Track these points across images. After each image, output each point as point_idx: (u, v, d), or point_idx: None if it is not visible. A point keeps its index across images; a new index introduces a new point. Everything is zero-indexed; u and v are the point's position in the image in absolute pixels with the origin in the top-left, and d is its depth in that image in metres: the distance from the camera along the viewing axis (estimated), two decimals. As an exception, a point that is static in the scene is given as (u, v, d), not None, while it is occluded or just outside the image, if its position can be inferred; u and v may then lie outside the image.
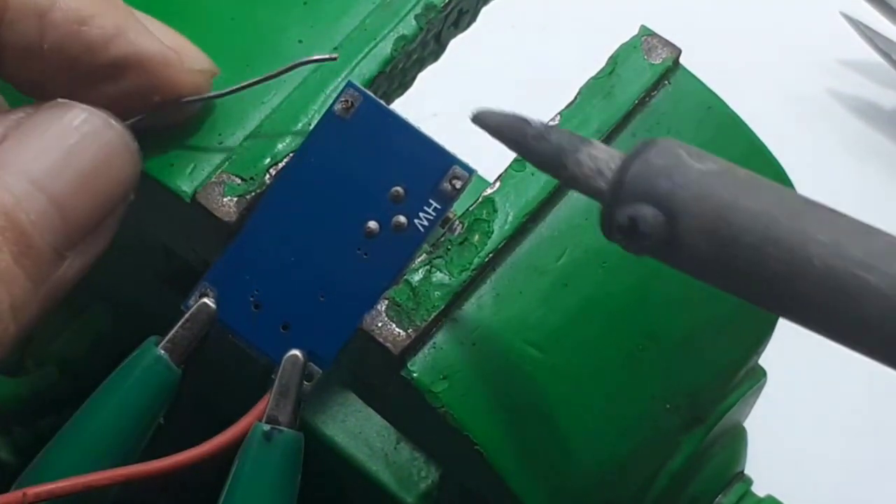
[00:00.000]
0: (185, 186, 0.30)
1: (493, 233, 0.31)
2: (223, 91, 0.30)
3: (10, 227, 0.27)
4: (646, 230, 0.25)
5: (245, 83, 0.30)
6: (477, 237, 0.31)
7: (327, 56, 0.30)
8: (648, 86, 0.33)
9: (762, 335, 0.35)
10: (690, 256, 0.25)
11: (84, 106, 0.28)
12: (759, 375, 0.36)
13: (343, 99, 0.30)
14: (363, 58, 0.32)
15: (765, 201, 0.25)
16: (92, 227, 0.29)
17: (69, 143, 0.28)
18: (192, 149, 0.30)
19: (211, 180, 0.30)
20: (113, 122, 0.29)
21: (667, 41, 0.34)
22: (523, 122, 0.28)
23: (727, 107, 0.34)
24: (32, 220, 0.27)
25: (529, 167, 0.31)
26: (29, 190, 0.27)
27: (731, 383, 0.35)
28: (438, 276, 0.30)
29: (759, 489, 0.37)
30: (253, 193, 0.30)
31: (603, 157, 0.26)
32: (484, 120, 0.28)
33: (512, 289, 0.31)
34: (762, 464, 0.38)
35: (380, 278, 0.30)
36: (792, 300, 0.24)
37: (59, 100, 0.29)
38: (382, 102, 0.30)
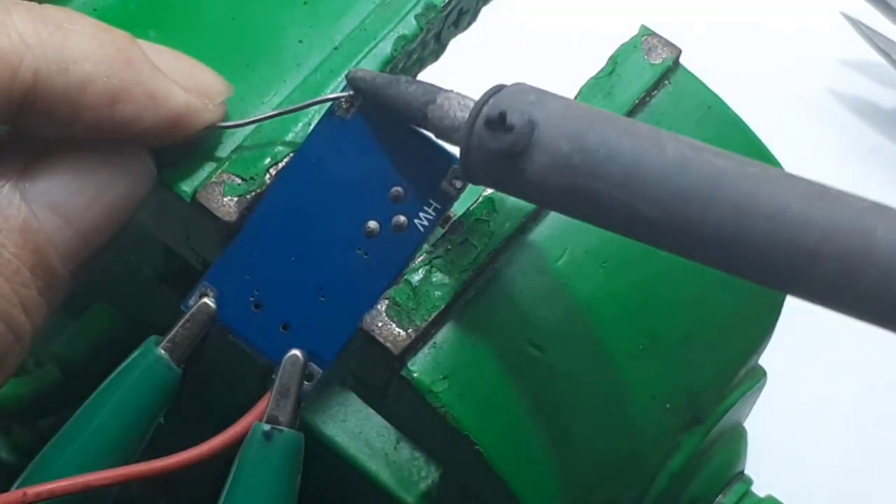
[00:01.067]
0: (185, 186, 0.30)
1: (493, 233, 0.31)
2: (243, 121, 0.30)
3: (40, 265, 0.27)
4: (513, 121, 0.26)
5: (265, 115, 0.30)
6: (477, 237, 0.31)
7: (344, 95, 0.30)
8: (648, 86, 0.33)
9: (762, 335, 0.35)
10: (547, 165, 0.26)
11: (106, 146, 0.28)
12: (759, 375, 0.36)
13: (343, 99, 0.30)
14: (363, 57, 0.32)
15: (616, 120, 0.26)
16: (106, 245, 0.29)
17: (100, 179, 0.28)
18: (193, 149, 0.30)
19: (211, 180, 0.30)
20: (140, 153, 0.29)
21: (667, 41, 0.34)
22: (389, 79, 0.29)
23: (727, 106, 0.34)
24: (60, 255, 0.27)
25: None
26: (60, 225, 0.27)
27: (731, 383, 0.35)
28: (438, 276, 0.30)
29: (759, 489, 0.37)
30: (253, 193, 0.30)
31: (459, 99, 0.28)
32: (356, 82, 0.30)
33: (512, 289, 0.31)
34: (762, 464, 0.38)
35: (380, 278, 0.30)
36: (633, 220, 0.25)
37: (77, 144, 0.28)
38: None
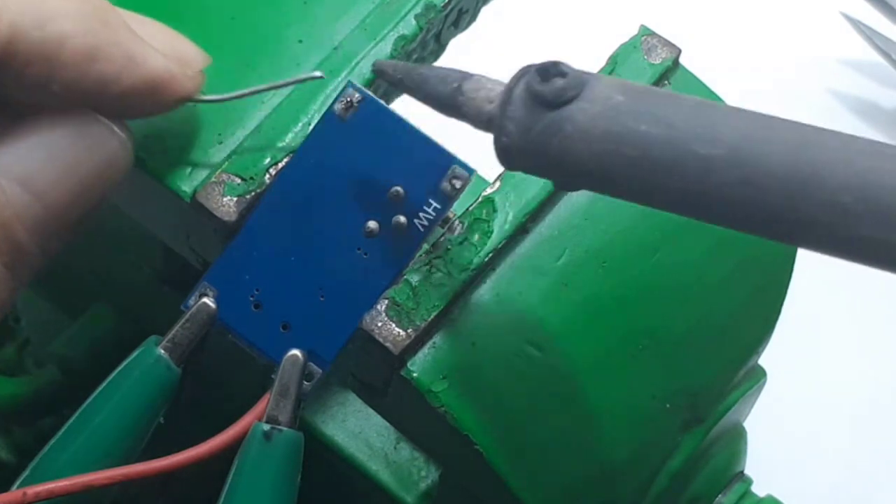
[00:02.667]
0: (185, 186, 0.30)
1: (492, 233, 0.31)
2: (221, 96, 0.30)
3: (6, 239, 0.27)
4: (567, 69, 0.26)
5: (243, 91, 0.30)
6: (477, 237, 0.31)
7: (315, 74, 0.30)
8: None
9: (762, 335, 0.35)
10: (598, 112, 0.25)
11: (89, 112, 0.28)
12: (759, 375, 0.36)
13: (343, 99, 0.30)
14: (363, 57, 0.32)
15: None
16: (78, 223, 0.29)
17: (73, 154, 0.28)
18: (192, 149, 0.30)
19: (211, 180, 0.30)
20: (116, 129, 0.28)
21: (667, 41, 0.34)
22: (413, 69, 0.29)
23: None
24: (27, 230, 0.27)
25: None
26: (28, 201, 0.27)
27: (731, 383, 0.35)
28: (438, 276, 0.30)
29: (758, 489, 0.37)
30: (253, 193, 0.30)
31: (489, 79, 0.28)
32: (382, 68, 0.29)
33: (512, 289, 0.31)
34: (762, 464, 0.39)
35: (380, 278, 0.30)
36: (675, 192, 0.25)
37: (55, 110, 0.28)
38: (383, 102, 0.30)
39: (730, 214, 0.24)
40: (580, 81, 0.26)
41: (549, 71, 0.26)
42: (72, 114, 0.28)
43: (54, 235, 0.28)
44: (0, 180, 0.27)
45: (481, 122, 0.27)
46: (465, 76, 0.28)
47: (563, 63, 0.26)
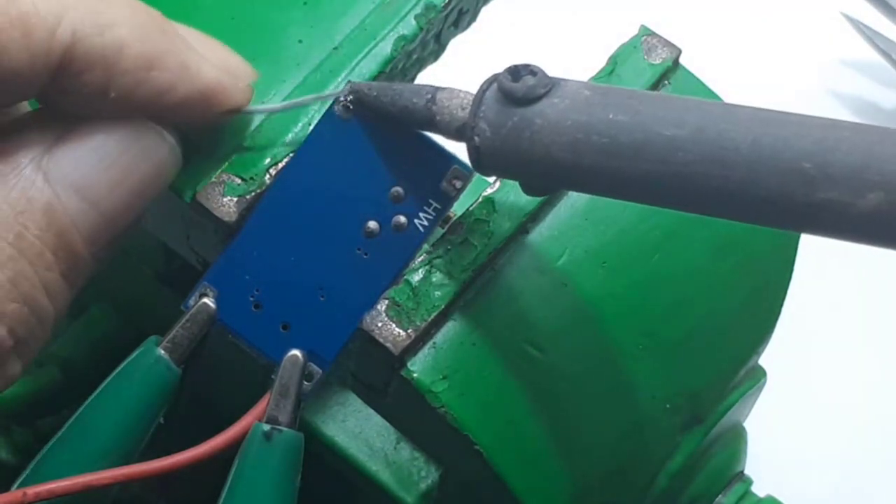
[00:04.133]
0: (185, 186, 0.30)
1: (493, 233, 0.31)
2: (269, 106, 0.31)
3: (63, 247, 0.27)
4: (536, 69, 0.27)
5: (287, 103, 0.30)
6: (477, 237, 0.31)
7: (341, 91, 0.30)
8: (648, 86, 0.33)
9: (762, 335, 0.35)
10: (567, 105, 0.26)
11: (140, 119, 0.28)
12: (759, 375, 0.36)
13: (343, 99, 0.30)
14: (363, 57, 0.32)
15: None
16: (129, 228, 0.29)
17: (127, 161, 0.28)
18: (193, 149, 0.30)
19: (211, 180, 0.30)
20: (167, 136, 0.28)
21: (667, 41, 0.34)
22: (386, 91, 0.29)
23: None
24: (83, 237, 0.27)
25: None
26: (84, 209, 0.27)
27: (731, 383, 0.35)
28: (438, 276, 0.30)
29: (759, 489, 0.37)
30: (253, 193, 0.30)
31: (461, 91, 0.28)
32: (356, 94, 0.30)
33: (512, 289, 0.31)
34: (762, 464, 0.39)
35: (380, 278, 0.30)
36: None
37: (106, 120, 0.28)
38: None
39: (697, 194, 0.25)
40: (550, 81, 0.27)
41: (520, 70, 0.27)
42: (124, 121, 0.28)
43: (107, 243, 0.28)
44: (56, 188, 0.27)
45: (453, 129, 0.28)
46: (439, 88, 0.29)
47: (532, 64, 0.27)
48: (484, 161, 0.27)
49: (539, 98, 0.26)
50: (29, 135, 0.27)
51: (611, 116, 0.25)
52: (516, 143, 0.27)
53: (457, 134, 0.28)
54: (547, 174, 0.27)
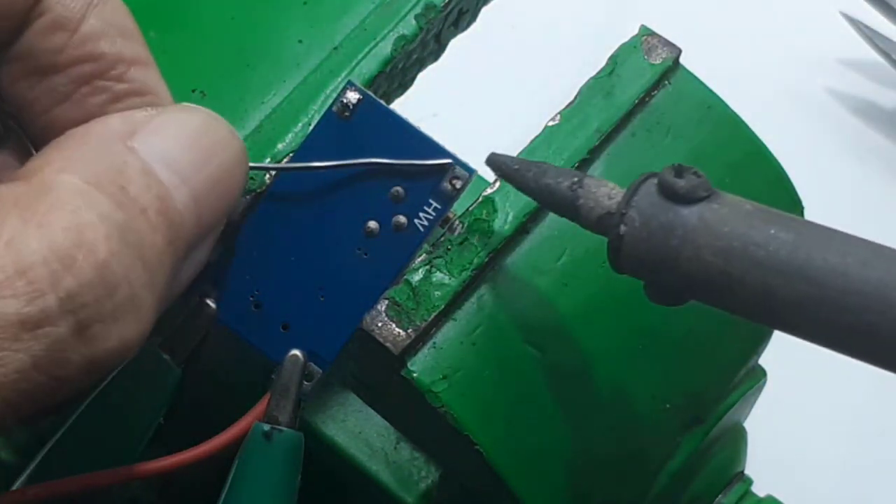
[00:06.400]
0: (186, 186, 0.30)
1: (493, 233, 0.31)
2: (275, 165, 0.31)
3: (162, 212, 0.26)
4: (699, 173, 0.26)
5: (312, 164, 0.30)
6: (477, 237, 0.31)
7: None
8: (648, 85, 0.33)
9: (762, 335, 0.35)
10: (727, 213, 0.26)
11: (212, 113, 0.28)
12: (759, 375, 0.36)
13: (343, 99, 0.30)
14: (363, 57, 0.32)
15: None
16: (206, 234, 0.28)
17: (206, 144, 0.27)
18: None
19: (211, 180, 0.30)
20: (236, 133, 0.28)
21: (667, 41, 0.34)
22: (529, 166, 0.29)
23: (727, 106, 0.35)
24: (179, 211, 0.26)
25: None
26: (176, 183, 0.26)
27: (731, 383, 0.35)
28: (438, 276, 0.30)
29: (758, 489, 0.37)
30: (253, 193, 0.30)
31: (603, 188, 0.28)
32: (497, 165, 0.30)
33: (512, 289, 0.31)
34: (762, 464, 0.39)
35: (380, 278, 0.30)
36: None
37: (185, 104, 0.28)
38: (382, 102, 0.30)
39: (848, 327, 0.24)
40: (712, 188, 0.26)
41: (684, 170, 0.26)
42: (198, 109, 0.28)
43: (198, 235, 0.27)
44: (147, 160, 0.26)
45: (594, 217, 0.27)
46: (588, 175, 0.28)
47: (697, 169, 0.26)
48: (625, 250, 0.27)
49: (699, 200, 0.26)
50: (110, 121, 0.27)
51: (772, 232, 0.25)
52: (665, 239, 0.26)
53: (597, 222, 0.27)
54: (688, 278, 0.26)
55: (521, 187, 0.29)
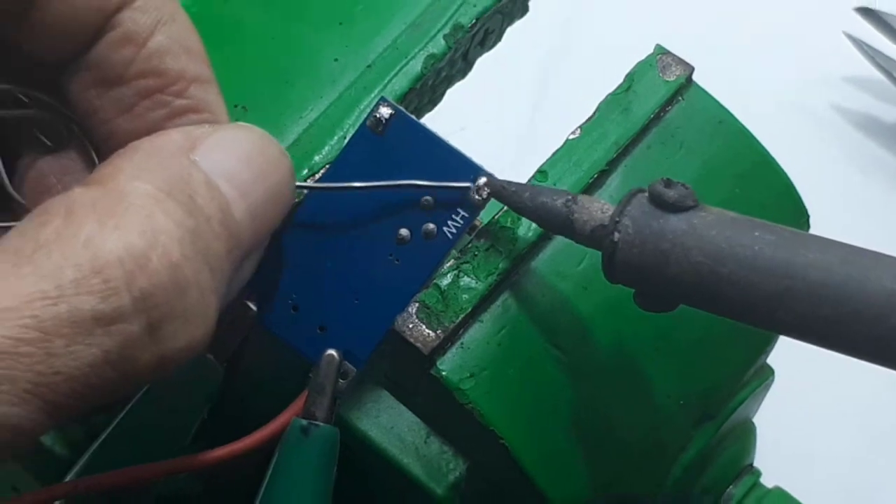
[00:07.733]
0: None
1: (517, 240, 0.32)
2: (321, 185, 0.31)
3: (222, 224, 0.26)
4: (687, 186, 0.27)
5: (347, 185, 0.31)
6: (502, 244, 0.32)
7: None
8: (663, 101, 0.34)
9: (770, 336, 0.36)
10: (713, 220, 0.27)
11: (266, 132, 0.29)
12: (768, 374, 0.37)
13: (376, 113, 0.31)
14: (395, 75, 0.33)
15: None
16: (258, 246, 0.29)
17: (261, 162, 0.28)
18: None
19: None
20: (287, 153, 0.29)
21: (680, 59, 0.35)
22: (525, 188, 0.30)
23: (737, 121, 0.35)
24: (237, 222, 0.27)
25: (551, 178, 0.33)
26: (235, 196, 0.27)
27: (741, 381, 0.36)
28: (466, 281, 0.31)
29: (767, 481, 0.38)
30: (292, 203, 0.30)
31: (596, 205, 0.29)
32: (495, 185, 0.30)
33: (535, 292, 0.32)
34: (770, 457, 0.39)
35: (411, 282, 0.31)
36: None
37: (240, 123, 0.29)
38: (413, 117, 0.31)
39: (833, 326, 0.26)
40: (698, 201, 0.28)
41: (672, 182, 0.28)
42: (251, 127, 0.29)
43: (251, 247, 0.28)
44: (207, 174, 0.27)
45: (588, 230, 0.29)
46: (580, 194, 0.29)
47: (684, 183, 0.28)
48: (619, 257, 0.28)
49: (688, 209, 0.27)
50: (172, 134, 0.28)
51: (756, 234, 0.26)
52: (657, 244, 0.27)
53: (591, 234, 0.29)
54: (680, 280, 0.27)
55: (518, 207, 0.30)
